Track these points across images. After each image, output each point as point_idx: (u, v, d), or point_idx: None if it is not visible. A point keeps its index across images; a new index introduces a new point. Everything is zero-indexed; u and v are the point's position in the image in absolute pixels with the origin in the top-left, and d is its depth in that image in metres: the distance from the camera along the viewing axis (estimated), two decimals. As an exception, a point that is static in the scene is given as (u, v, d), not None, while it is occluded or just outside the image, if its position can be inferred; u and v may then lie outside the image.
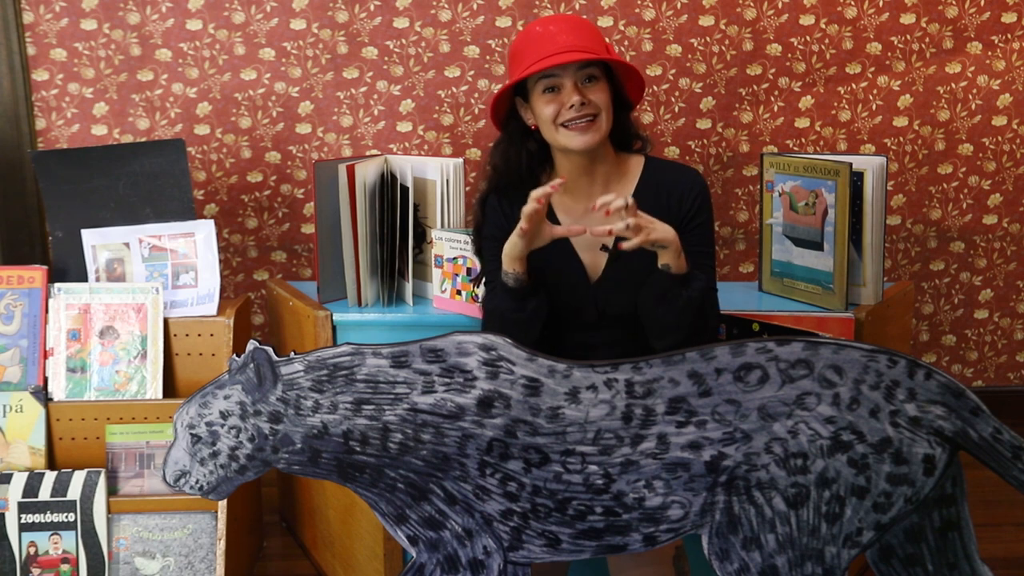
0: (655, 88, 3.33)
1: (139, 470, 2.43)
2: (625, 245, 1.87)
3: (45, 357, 2.45)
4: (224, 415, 1.82)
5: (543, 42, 2.00)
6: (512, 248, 1.96)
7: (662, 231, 1.88)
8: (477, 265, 2.28)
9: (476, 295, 2.36)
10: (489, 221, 2.13)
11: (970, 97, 3.40)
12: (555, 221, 2.09)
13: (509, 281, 1.99)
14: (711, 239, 2.11)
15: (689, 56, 3.33)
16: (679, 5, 3.29)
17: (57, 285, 2.47)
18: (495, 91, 3.29)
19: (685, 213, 2.07)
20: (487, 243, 2.13)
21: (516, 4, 3.27)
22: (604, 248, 2.08)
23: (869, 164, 2.44)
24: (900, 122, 3.40)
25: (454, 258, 2.43)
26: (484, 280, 2.14)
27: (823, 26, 3.33)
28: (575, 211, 2.10)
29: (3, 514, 2.35)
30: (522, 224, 1.90)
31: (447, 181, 2.49)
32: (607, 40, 2.11)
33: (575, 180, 2.09)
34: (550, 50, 1.98)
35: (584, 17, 2.12)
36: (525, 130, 2.10)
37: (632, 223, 1.84)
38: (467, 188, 2.63)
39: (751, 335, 2.27)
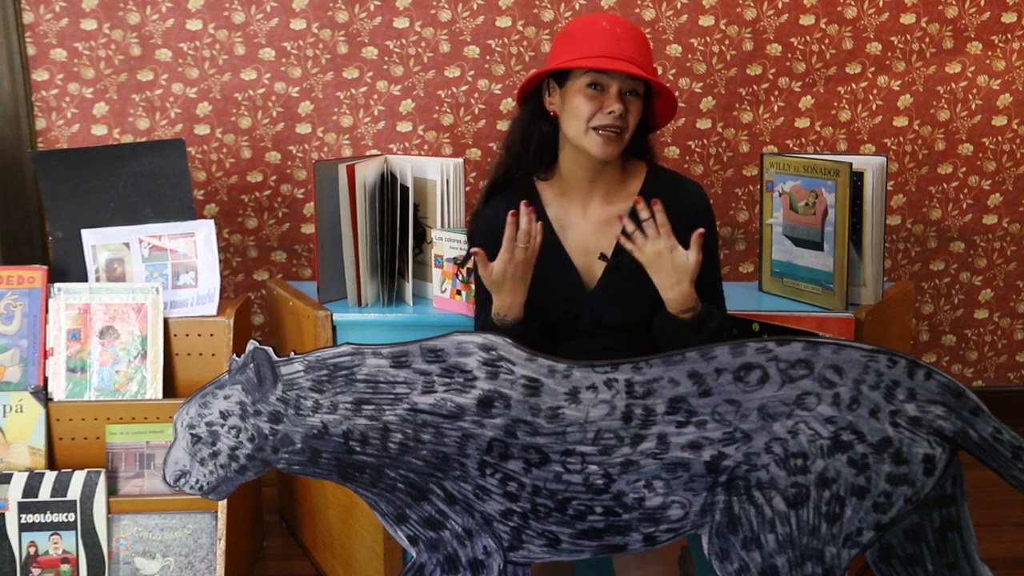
0: (655, 88, 3.33)
1: (139, 470, 2.43)
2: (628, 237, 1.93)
3: (45, 357, 2.45)
4: (224, 415, 1.82)
5: (606, 40, 1.97)
6: (499, 278, 1.94)
7: (666, 256, 1.92)
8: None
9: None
10: (481, 228, 2.11)
11: (970, 97, 3.40)
12: (545, 221, 2.08)
13: (506, 324, 1.98)
14: (714, 254, 2.09)
15: (689, 56, 3.33)
16: (679, 5, 3.29)
17: (57, 285, 2.47)
18: (495, 91, 3.31)
19: (684, 227, 2.05)
20: (478, 237, 2.12)
21: (516, 4, 3.27)
22: (602, 256, 2.06)
23: (869, 164, 2.44)
24: (900, 122, 3.40)
25: (454, 258, 2.43)
26: (475, 281, 2.14)
27: (823, 26, 3.33)
28: (570, 212, 2.09)
29: (3, 514, 2.35)
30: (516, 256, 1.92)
31: (447, 181, 2.49)
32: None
33: (576, 182, 2.07)
34: (613, 51, 1.96)
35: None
36: (543, 112, 2.07)
37: (661, 220, 1.91)
38: (467, 188, 2.63)
39: (751, 335, 2.27)
